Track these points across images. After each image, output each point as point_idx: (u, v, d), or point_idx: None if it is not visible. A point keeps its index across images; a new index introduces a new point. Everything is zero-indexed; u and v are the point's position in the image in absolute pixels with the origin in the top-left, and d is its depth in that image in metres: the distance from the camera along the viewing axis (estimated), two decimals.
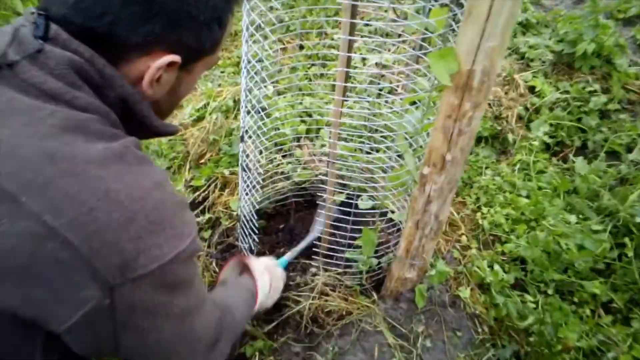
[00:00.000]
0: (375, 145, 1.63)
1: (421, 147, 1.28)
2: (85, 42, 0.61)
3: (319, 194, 1.83)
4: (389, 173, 1.63)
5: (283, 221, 1.75)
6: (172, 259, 0.61)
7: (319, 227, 1.51)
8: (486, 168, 1.92)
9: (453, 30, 1.16)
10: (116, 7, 0.59)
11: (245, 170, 1.33)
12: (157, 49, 0.64)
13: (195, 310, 0.71)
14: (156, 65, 0.64)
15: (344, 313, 1.47)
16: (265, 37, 1.80)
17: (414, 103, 1.53)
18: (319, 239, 1.53)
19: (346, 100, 1.25)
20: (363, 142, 1.77)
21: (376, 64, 2.21)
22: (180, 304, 0.67)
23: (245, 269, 1.18)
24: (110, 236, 0.56)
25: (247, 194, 1.42)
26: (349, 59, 1.11)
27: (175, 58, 0.65)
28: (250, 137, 1.36)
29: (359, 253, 1.48)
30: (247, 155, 1.40)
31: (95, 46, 0.61)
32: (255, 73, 1.28)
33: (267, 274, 1.21)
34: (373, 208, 1.76)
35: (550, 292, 1.55)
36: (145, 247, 0.58)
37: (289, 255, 1.43)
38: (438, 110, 1.09)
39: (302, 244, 1.47)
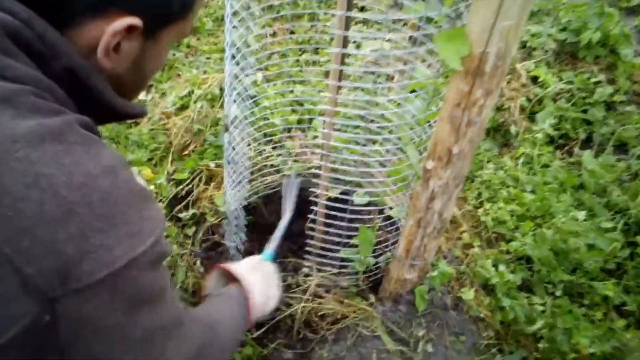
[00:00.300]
0: (372, 137, 1.51)
1: (422, 138, 1.17)
2: (23, 0, 0.49)
3: (312, 189, 1.72)
4: (387, 167, 1.52)
5: (274, 217, 1.64)
6: (128, 264, 0.49)
7: (289, 204, 1.36)
8: (488, 161, 1.82)
9: (457, 11, 1.05)
10: None
11: (230, 163, 1.21)
12: (112, 10, 0.52)
13: (166, 334, 0.58)
14: (111, 29, 0.52)
15: (339, 316, 1.37)
16: (253, 17, 1.68)
17: (413, 91, 1.42)
18: (308, 230, 1.41)
19: (341, 87, 1.14)
20: (359, 133, 1.66)
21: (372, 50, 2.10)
22: (144, 324, 0.54)
23: (230, 278, 1.01)
24: (43, 234, 0.44)
25: (233, 188, 1.31)
26: (345, 40, 1.00)
27: (135, 21, 0.53)
28: (236, 127, 1.24)
29: (355, 252, 1.37)
30: (233, 148, 1.28)
31: (36, 6, 0.49)
32: (242, 57, 1.16)
33: (257, 274, 1.03)
34: (369, 204, 1.65)
35: (558, 293, 1.46)
36: (90, 249, 0.46)
37: (271, 246, 1.24)
38: (444, 98, 0.98)
39: (281, 229, 1.29)
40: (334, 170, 1.59)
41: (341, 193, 1.62)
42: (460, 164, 1.05)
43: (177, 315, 0.62)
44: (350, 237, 1.36)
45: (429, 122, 1.12)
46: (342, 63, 1.04)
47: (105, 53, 0.54)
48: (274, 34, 2.17)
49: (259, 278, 1.01)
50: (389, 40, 2.14)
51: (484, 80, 0.90)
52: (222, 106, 1.87)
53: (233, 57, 1.13)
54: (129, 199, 0.51)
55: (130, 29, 0.53)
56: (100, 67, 0.55)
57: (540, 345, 1.32)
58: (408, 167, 1.18)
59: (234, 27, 1.11)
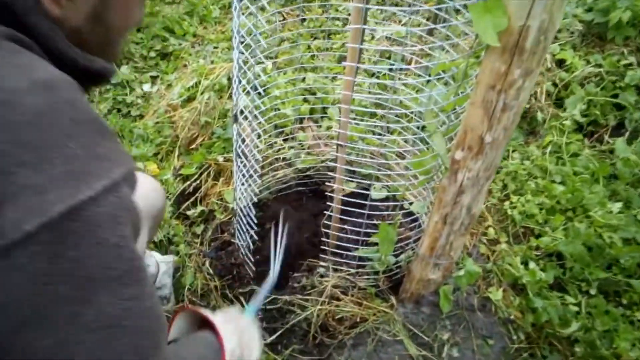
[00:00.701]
0: (392, 126, 1.41)
1: (447, 126, 1.07)
2: None
3: (326, 182, 1.62)
4: (407, 158, 1.42)
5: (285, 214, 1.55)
6: (67, 214, 0.36)
7: (278, 254, 1.16)
8: (513, 151, 1.71)
9: None
10: None
11: (240, 157, 1.12)
12: None
13: (134, 336, 0.43)
14: None
15: (357, 320, 1.28)
16: (262, 9, 1.59)
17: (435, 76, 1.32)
18: (323, 227, 1.30)
19: (359, 71, 1.04)
20: (376, 123, 1.56)
21: (387, 37, 1.99)
22: (104, 310, 0.40)
23: (203, 323, 0.80)
24: None
25: (243, 183, 1.22)
26: (365, 15, 0.90)
27: None
28: (246, 117, 1.15)
29: (374, 251, 1.28)
30: (243, 140, 1.19)
31: None
32: (251, 45, 1.07)
33: (231, 324, 0.80)
34: (388, 198, 1.55)
35: (593, 292, 1.35)
36: (12, 190, 0.35)
37: (255, 301, 1.01)
38: (477, 79, 0.87)
39: (268, 283, 1.08)
40: (349, 162, 1.50)
41: (358, 188, 1.53)
42: (493, 154, 0.95)
43: (157, 324, 0.46)
44: (368, 234, 1.27)
45: (454, 109, 1.02)
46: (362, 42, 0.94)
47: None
48: (283, 19, 2.06)
49: (233, 327, 0.80)
50: (404, 24, 2.03)
51: (524, 59, 0.80)
52: (230, 97, 1.78)
53: (241, 44, 1.03)
54: (71, 127, 0.39)
55: None
56: (51, 17, 0.45)
57: (577, 349, 1.22)
58: (432, 158, 1.08)
59: (242, 13, 1.01)
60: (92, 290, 0.39)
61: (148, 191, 1.01)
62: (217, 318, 0.78)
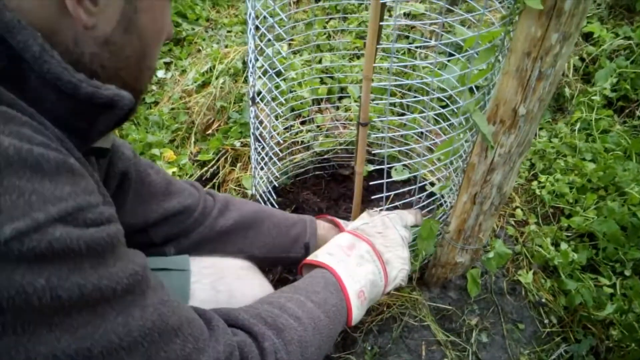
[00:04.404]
0: (418, 106, 1.36)
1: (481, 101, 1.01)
2: None
3: (345, 165, 1.58)
4: (428, 138, 1.37)
5: (304, 198, 1.51)
6: None
7: None
8: (541, 129, 1.64)
9: None
10: None
11: (259, 140, 1.08)
12: None
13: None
14: None
15: (383, 307, 1.24)
16: None
17: (453, 55, 1.25)
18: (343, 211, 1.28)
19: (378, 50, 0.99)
20: (395, 104, 1.50)
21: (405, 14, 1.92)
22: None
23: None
24: None
25: (262, 168, 1.18)
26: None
27: None
28: (263, 98, 1.11)
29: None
30: (261, 122, 1.14)
31: None
32: (265, 28, 1.02)
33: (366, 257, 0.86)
34: (409, 179, 1.50)
35: (627, 273, 1.29)
36: None
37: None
38: (511, 47, 0.82)
39: None
40: (369, 144, 1.45)
41: (377, 171, 1.48)
42: (527, 128, 0.90)
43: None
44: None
45: (486, 86, 0.96)
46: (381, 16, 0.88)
47: (77, 3, 0.39)
48: (297, 2, 2.01)
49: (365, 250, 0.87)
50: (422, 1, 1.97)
51: (562, 22, 0.74)
52: (245, 81, 1.74)
53: (257, 28, 0.99)
54: None
55: None
56: (78, 36, 0.40)
57: (613, 332, 1.17)
58: (455, 139, 1.02)
59: None
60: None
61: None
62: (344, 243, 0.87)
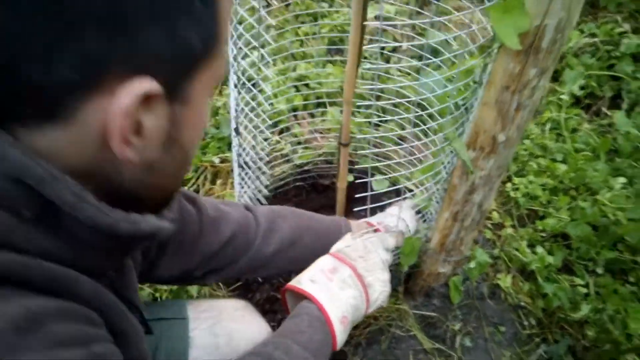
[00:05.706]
0: (396, 119, 1.37)
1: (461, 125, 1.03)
2: None
3: (325, 175, 1.59)
4: (400, 145, 1.39)
5: None
6: None
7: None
8: None
9: None
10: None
11: (242, 167, 1.08)
12: (108, 76, 0.35)
13: None
14: (120, 108, 0.35)
15: (370, 319, 1.27)
16: None
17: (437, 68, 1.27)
18: None
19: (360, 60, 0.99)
20: (374, 115, 1.51)
21: (375, 17, 1.92)
22: None
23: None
24: None
25: (245, 192, 1.18)
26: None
27: (150, 84, 0.36)
28: (245, 117, 1.10)
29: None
30: (245, 149, 1.13)
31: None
32: (238, 37, 1.02)
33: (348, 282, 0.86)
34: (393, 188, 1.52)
35: (600, 271, 1.36)
36: None
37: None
38: (490, 80, 0.84)
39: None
40: (350, 154, 1.45)
41: (357, 179, 1.49)
42: (506, 153, 0.92)
43: None
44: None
45: (464, 105, 0.98)
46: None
47: (124, 141, 0.37)
48: (267, 5, 1.98)
49: (348, 275, 0.87)
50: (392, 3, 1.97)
51: (539, 58, 0.76)
52: (221, 93, 1.72)
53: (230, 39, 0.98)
54: None
55: (147, 99, 0.36)
56: (120, 167, 0.39)
57: (589, 332, 1.23)
58: (436, 153, 1.04)
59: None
60: None
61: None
62: (320, 280, 0.83)
